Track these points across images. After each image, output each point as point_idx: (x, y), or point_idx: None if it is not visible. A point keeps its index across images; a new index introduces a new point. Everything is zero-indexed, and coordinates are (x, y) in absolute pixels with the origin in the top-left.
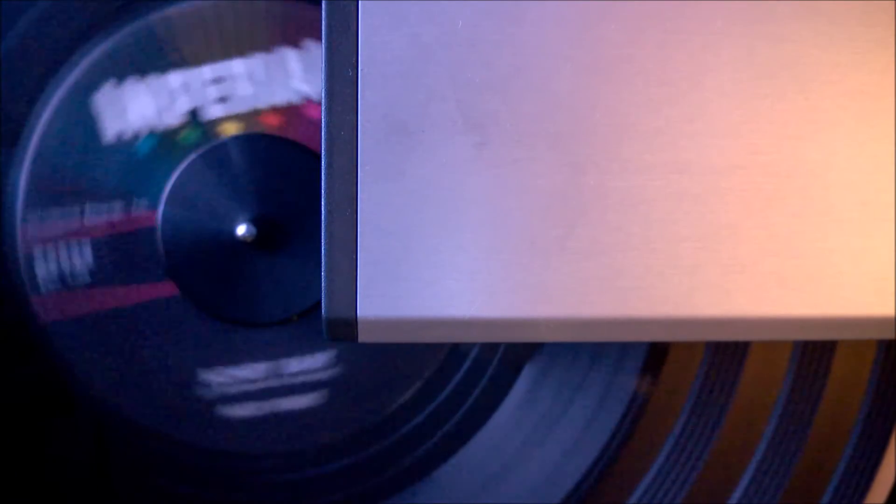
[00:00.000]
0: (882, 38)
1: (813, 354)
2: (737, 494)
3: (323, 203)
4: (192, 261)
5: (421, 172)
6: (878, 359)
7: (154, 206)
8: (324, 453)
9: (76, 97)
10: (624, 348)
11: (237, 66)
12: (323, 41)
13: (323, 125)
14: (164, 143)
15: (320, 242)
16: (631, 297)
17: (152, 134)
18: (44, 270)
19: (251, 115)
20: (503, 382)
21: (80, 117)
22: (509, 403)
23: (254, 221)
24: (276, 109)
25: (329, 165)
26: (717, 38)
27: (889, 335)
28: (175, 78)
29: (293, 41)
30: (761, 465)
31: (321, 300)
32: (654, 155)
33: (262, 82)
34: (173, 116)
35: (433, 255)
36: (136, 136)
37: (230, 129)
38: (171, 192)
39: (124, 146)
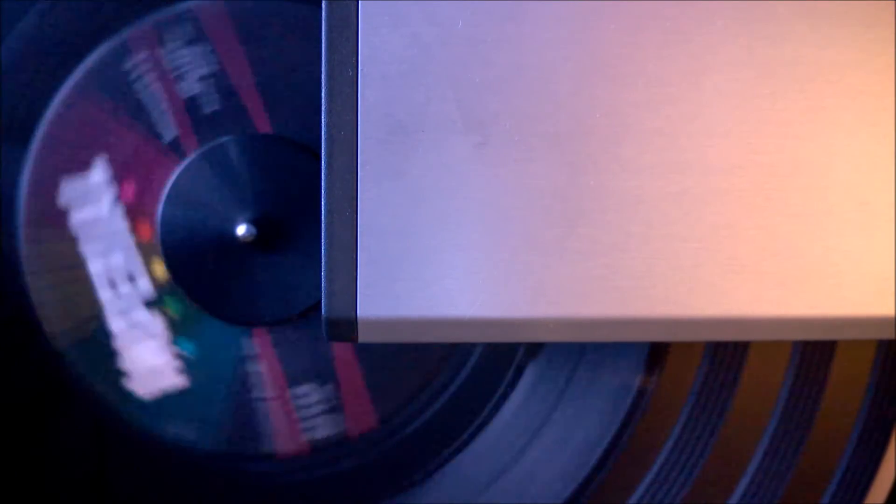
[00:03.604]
0: (882, 38)
1: (813, 354)
2: (737, 494)
3: (323, 203)
4: (192, 261)
5: (421, 172)
6: (878, 359)
7: (241, 349)
8: (325, 455)
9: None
10: (624, 348)
11: (94, 266)
12: (323, 41)
13: (323, 125)
14: (184, 328)
15: (320, 242)
16: (631, 297)
17: (175, 341)
18: (246, 464)
19: (139, 239)
20: (505, 383)
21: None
22: (511, 404)
23: (254, 221)
24: (131, 209)
25: (329, 165)
26: (717, 38)
27: (889, 335)
28: (116, 324)
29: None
30: (761, 465)
31: (321, 300)
32: (654, 155)
33: (103, 233)
34: (150, 331)
35: (433, 255)
36: (179, 355)
37: (160, 269)
38: (171, 192)
39: (189, 366)
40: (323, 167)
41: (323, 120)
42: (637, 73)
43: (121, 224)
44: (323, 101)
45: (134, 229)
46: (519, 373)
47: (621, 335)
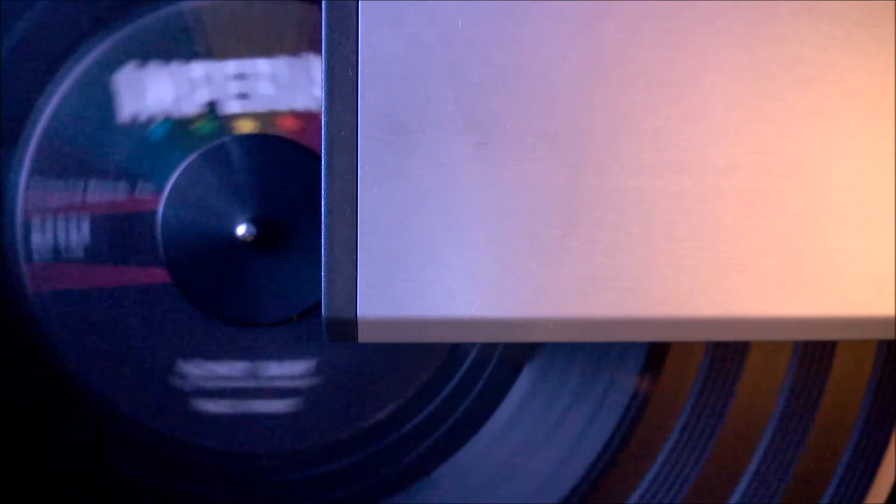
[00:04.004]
0: (882, 38)
1: (813, 354)
2: (737, 494)
3: (323, 203)
4: (192, 261)
5: (421, 172)
6: (878, 359)
7: (159, 192)
8: (323, 453)
9: (95, 74)
10: (624, 348)
11: (262, 65)
12: (323, 41)
13: (323, 125)
14: (178, 131)
15: (320, 242)
16: (631, 297)
17: (167, 120)
18: (39, 239)
19: (269, 116)
20: (502, 383)
21: (97, 93)
22: (508, 404)
23: (254, 221)
24: (294, 114)
25: (329, 165)
26: (717, 38)
27: (889, 335)
28: (198, 68)
29: (320, 49)
30: (761, 464)
31: (321, 300)
32: (654, 155)
33: (285, 85)
34: (191, 106)
35: (433, 255)
36: (150, 120)
37: (246, 127)
38: (172, 191)
39: (137, 128)
40: (323, 167)
41: (323, 120)
42: (637, 74)
43: (292, 97)
44: (323, 101)
45: (286, 110)
46: (517, 372)
47: (621, 335)
